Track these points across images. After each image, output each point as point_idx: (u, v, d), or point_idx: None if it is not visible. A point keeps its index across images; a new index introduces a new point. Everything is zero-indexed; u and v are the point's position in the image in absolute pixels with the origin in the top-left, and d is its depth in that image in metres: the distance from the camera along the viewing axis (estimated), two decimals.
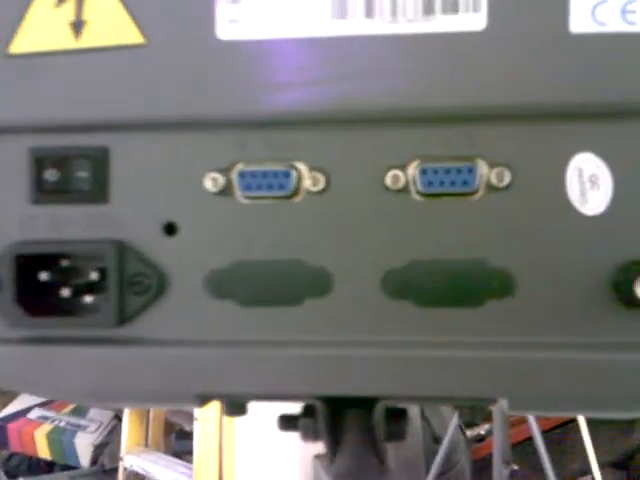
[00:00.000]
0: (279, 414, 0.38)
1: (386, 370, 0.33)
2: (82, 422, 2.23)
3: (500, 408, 0.37)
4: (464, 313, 0.34)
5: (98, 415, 2.25)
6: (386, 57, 0.32)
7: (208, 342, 0.35)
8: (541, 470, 1.56)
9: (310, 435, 0.37)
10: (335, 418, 0.36)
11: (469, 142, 0.33)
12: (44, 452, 2.21)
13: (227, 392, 0.34)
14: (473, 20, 0.32)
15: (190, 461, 1.82)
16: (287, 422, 0.38)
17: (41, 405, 2.26)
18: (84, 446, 2.17)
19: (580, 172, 0.33)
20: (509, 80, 0.32)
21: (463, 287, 0.33)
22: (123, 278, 0.35)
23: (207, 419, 1.71)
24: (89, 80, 0.34)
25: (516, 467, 1.60)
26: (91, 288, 0.35)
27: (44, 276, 0.35)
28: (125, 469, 2.02)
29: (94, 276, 0.35)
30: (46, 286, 0.35)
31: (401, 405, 0.36)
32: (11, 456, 2.24)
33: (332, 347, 0.34)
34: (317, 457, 1.62)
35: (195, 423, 1.74)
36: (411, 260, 0.34)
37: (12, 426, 2.19)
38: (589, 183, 0.33)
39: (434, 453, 1.69)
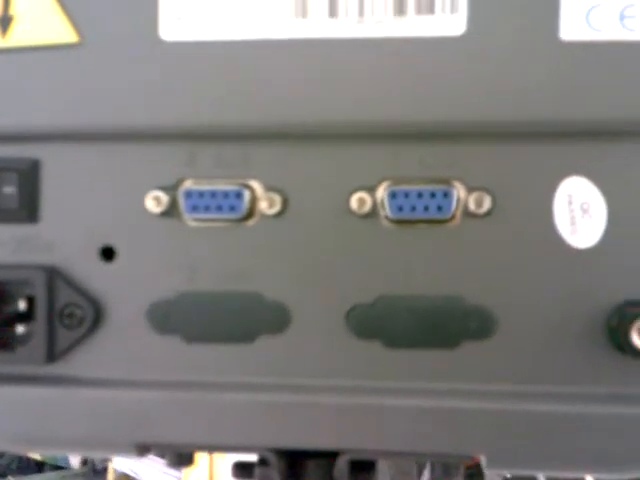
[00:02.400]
0: (234, 462, 0.34)
1: (348, 421, 0.29)
2: None
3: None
4: (438, 356, 0.30)
5: None
6: (352, 63, 0.28)
7: (149, 383, 0.31)
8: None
9: None
10: (293, 469, 0.32)
11: (444, 163, 0.29)
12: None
13: (169, 441, 0.30)
14: (451, 23, 0.28)
15: None
16: (242, 470, 0.34)
17: None
18: None
19: (570, 199, 0.29)
20: (490, 93, 0.28)
21: (437, 326, 0.30)
22: (53, 309, 0.31)
23: None
24: (16, 83, 0.30)
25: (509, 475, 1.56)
26: (18, 319, 0.31)
27: None
28: (115, 470, 1.99)
29: (22, 306, 0.31)
30: None
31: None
32: (0, 455, 2.21)
33: (288, 392, 0.30)
34: None
35: None
36: (379, 295, 0.30)
37: None
38: (580, 211, 0.29)
39: None
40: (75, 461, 2.17)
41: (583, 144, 0.28)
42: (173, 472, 1.84)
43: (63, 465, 2.19)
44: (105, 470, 2.05)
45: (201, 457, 1.67)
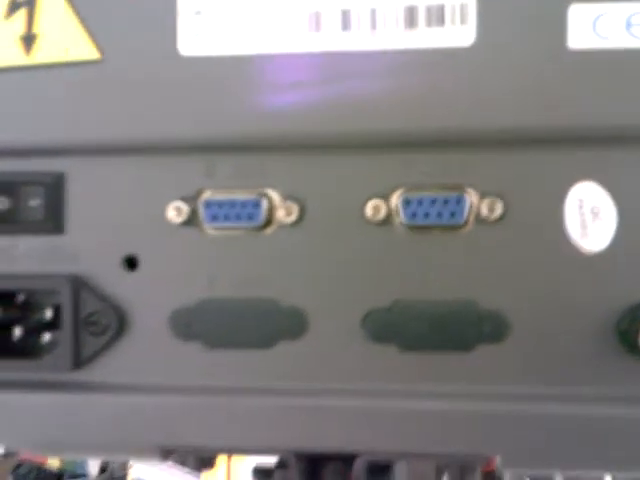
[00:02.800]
0: (254, 466, 0.35)
1: (366, 423, 0.30)
2: None
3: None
4: (453, 359, 0.30)
5: None
6: (365, 75, 0.29)
7: (172, 388, 0.32)
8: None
9: None
10: (312, 471, 0.33)
11: (457, 170, 0.30)
12: (53, 461, 2.19)
13: (192, 444, 0.31)
14: (460, 34, 0.28)
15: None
16: (262, 475, 0.34)
17: None
18: None
19: (580, 203, 0.29)
20: (500, 101, 0.29)
21: (452, 330, 0.30)
22: (79, 317, 0.32)
23: None
24: (41, 99, 0.31)
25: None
26: (45, 328, 0.32)
27: None
28: (133, 478, 1.99)
29: (48, 314, 0.32)
30: None
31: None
32: (20, 464, 2.22)
33: (306, 396, 0.31)
34: None
35: None
36: (395, 300, 0.31)
37: None
38: (590, 215, 0.29)
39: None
40: (94, 469, 2.18)
41: (592, 150, 0.29)
42: (191, 478, 1.84)
43: (82, 473, 2.20)
44: (124, 478, 2.05)
45: (219, 462, 1.67)
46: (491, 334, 0.30)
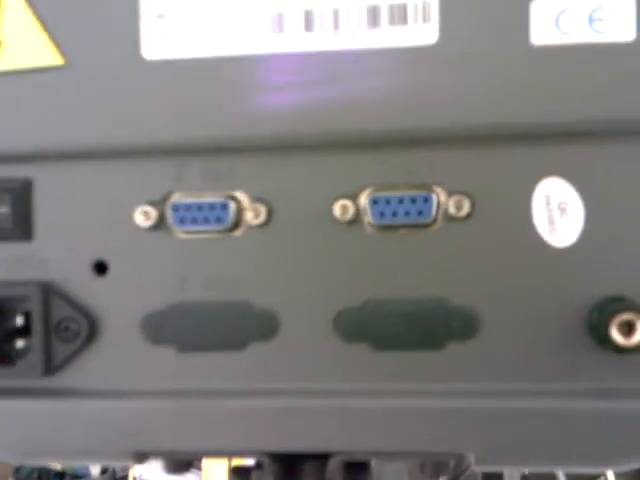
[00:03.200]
0: (232, 467, 0.35)
1: (338, 423, 0.30)
2: None
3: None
4: (424, 357, 0.30)
5: None
6: (329, 75, 0.29)
7: (144, 393, 0.31)
8: (553, 475, 1.53)
9: None
10: (288, 471, 0.32)
11: (424, 169, 0.30)
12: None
13: (166, 449, 0.31)
14: (424, 32, 0.28)
15: (199, 468, 1.80)
16: (240, 475, 0.34)
17: None
18: None
19: (548, 199, 0.29)
20: (464, 99, 0.28)
21: (422, 329, 0.30)
22: (49, 323, 0.32)
23: None
24: (6, 106, 0.31)
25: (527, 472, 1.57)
26: (16, 334, 0.32)
27: None
28: (135, 478, 2.00)
29: (19, 321, 0.32)
30: None
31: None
32: (21, 466, 2.23)
33: (279, 397, 0.31)
34: None
35: None
36: (365, 299, 0.30)
37: None
38: (558, 211, 0.29)
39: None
40: (95, 470, 2.19)
41: (558, 146, 0.29)
42: (193, 477, 1.85)
43: (83, 474, 2.21)
44: (125, 478, 2.06)
45: (220, 461, 1.67)
46: (462, 331, 0.30)
